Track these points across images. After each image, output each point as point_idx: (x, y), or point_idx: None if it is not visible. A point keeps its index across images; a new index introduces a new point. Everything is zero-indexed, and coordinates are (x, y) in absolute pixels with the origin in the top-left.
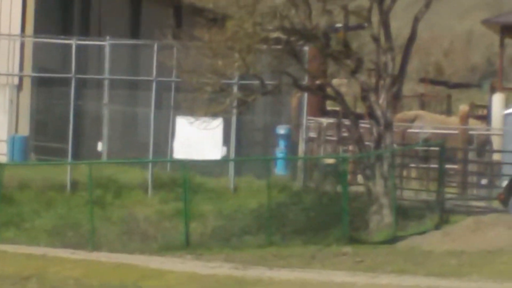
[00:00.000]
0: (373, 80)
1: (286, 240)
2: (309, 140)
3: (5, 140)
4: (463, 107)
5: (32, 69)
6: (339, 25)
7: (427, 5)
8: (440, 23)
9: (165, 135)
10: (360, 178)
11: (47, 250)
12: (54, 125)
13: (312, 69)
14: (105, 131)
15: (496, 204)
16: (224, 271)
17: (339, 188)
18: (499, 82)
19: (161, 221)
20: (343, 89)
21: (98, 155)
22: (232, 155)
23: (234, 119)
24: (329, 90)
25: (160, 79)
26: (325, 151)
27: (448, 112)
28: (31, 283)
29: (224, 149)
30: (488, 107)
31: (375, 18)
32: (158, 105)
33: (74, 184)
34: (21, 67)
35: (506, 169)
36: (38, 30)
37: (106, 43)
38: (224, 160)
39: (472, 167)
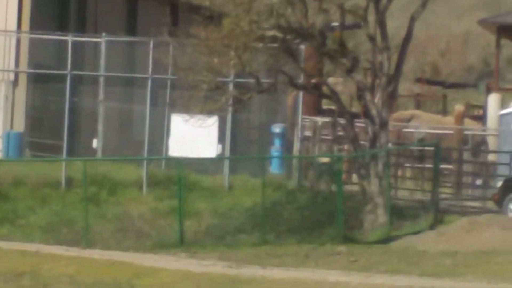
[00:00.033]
0: (369, 79)
1: (281, 239)
2: (304, 139)
3: (0, 136)
4: (459, 107)
5: (28, 65)
6: (335, 24)
7: (424, 5)
8: (437, 23)
9: (161, 133)
10: (355, 177)
11: (41, 247)
12: (50, 122)
13: (308, 68)
14: (100, 128)
15: (490, 204)
16: (218, 270)
17: (334, 187)
18: (495, 83)
19: (155, 219)
20: (339, 88)
21: (93, 152)
22: (227, 153)
23: (229, 117)
24: (324, 89)
25: (155, 76)
26: (320, 150)
27: (444, 112)
28: (24, 280)
29: (220, 147)
30: (484, 107)
31: (372, 17)
32: (153, 102)
33: (69, 181)
34: (17, 63)
35: (501, 170)
36: (34, 26)
37: (102, 40)
38: (219, 158)
39: (467, 167)
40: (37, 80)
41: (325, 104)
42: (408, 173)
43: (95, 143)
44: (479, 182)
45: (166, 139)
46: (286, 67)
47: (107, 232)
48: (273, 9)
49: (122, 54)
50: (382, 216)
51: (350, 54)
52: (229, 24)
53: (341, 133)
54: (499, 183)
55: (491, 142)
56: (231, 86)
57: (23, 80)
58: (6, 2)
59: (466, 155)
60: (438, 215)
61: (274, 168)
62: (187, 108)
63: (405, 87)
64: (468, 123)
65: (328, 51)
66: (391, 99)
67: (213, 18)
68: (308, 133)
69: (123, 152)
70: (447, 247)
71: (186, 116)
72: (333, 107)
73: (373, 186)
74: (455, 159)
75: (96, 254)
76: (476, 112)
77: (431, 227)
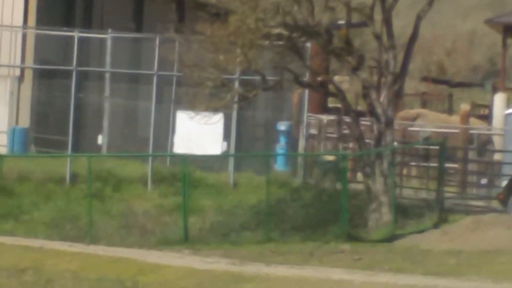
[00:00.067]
0: (375, 77)
1: (285, 237)
2: (309, 136)
3: (6, 132)
4: (464, 107)
5: (34, 61)
6: (341, 22)
7: (430, 4)
8: (443, 22)
9: (166, 129)
10: (360, 176)
11: (44, 243)
12: (55, 118)
13: (314, 66)
14: (105, 124)
15: (495, 204)
16: (222, 267)
17: (338, 185)
18: (501, 82)
19: (160, 216)
20: (344, 86)
21: (99, 148)
22: (233, 150)
23: (234, 114)
24: (330, 87)
25: (161, 73)
26: (325, 148)
27: (450, 111)
28: (27, 275)
29: (225, 144)
30: (489, 106)
31: (378, 15)
32: (159, 99)
33: (74, 177)
34: (23, 59)
35: (506, 169)
36: (41, 22)
37: (108, 36)
38: (224, 156)
39: (472, 167)
40: (42, 76)
41: (331, 102)
42: (414, 172)
43: (100, 139)
44: (484, 181)
45: (171, 136)
46: (291, 65)
47: (111, 229)
48: (279, 6)
49: (128, 50)
50: (386, 215)
51: (356, 53)
52: (235, 21)
53: (346, 131)
54: (504, 183)
55: (497, 142)
56: (236, 84)
57: (28, 75)
58: None
59: (471, 154)
60: (443, 214)
61: (279, 166)
62: (192, 105)
63: (411, 86)
64: (474, 122)
65: (334, 49)
66: (397, 98)
67: (219, 15)
68: (313, 131)
69: (128, 149)
70: (451, 246)
71: (191, 113)
72: (338, 105)
73: (378, 184)
74: (460, 158)
75: (100, 250)
76: (482, 111)
77: (436, 226)
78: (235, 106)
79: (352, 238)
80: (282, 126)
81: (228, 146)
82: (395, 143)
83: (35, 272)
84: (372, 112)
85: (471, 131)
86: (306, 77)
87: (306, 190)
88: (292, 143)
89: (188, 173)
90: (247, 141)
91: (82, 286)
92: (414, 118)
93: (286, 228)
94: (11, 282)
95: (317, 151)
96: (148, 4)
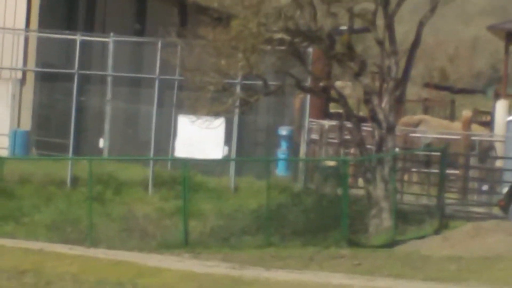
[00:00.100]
0: (377, 83)
1: (285, 241)
2: (311, 142)
3: (7, 134)
4: (466, 113)
5: (36, 64)
6: (343, 27)
7: (433, 10)
8: (446, 28)
9: (167, 133)
10: (361, 181)
11: (45, 245)
12: (56, 120)
13: (316, 71)
14: (107, 127)
15: (496, 210)
16: (221, 271)
17: (339, 191)
18: (503, 89)
19: (160, 219)
20: (347, 92)
21: (100, 151)
22: (234, 155)
23: (236, 119)
24: (332, 93)
25: (163, 77)
26: (326, 154)
27: (452, 117)
28: (27, 278)
29: (226, 148)
30: (491, 113)
31: (380, 21)
32: (160, 103)
33: (75, 180)
34: (25, 62)
35: (508, 176)
36: (43, 25)
37: (110, 39)
38: (225, 160)
39: (473, 173)
40: (44, 79)
41: (333, 108)
42: (415, 178)
43: (101, 142)
44: (485, 187)
45: (172, 139)
46: (293, 70)
47: (112, 232)
48: (281, 11)
49: (130, 54)
50: (387, 220)
51: (358, 58)
52: (237, 26)
53: (348, 136)
54: (505, 189)
55: (499, 148)
56: (238, 88)
57: (30, 78)
58: (15, 0)
59: (473, 161)
60: (444, 220)
61: (280, 171)
62: (194, 109)
63: (413, 92)
64: (476, 129)
65: (336, 55)
66: (399, 104)
67: (222, 19)
68: (315, 136)
69: (130, 152)
70: (451, 252)
71: (193, 117)
72: (340, 111)
73: (379, 190)
74: (461, 165)
75: (100, 253)
76: (484, 118)
77: (436, 232)
78: (237, 110)
79: (352, 243)
80: (283, 131)
81: (229, 150)
82: (397, 149)
83: (35, 274)
84: (373, 118)
85: (473, 138)
86: (308, 82)
87: (306, 195)
88: (294, 148)
89: (189, 177)
90: (248, 146)
91: None
92: (417, 124)
93: (286, 233)
94: (11, 284)
95: (318, 156)
96: (151, 8)
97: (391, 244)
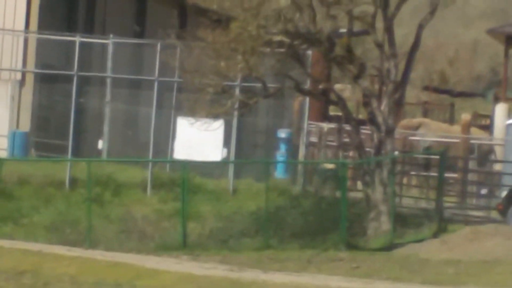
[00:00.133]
0: (376, 86)
1: (284, 244)
2: (310, 144)
3: (6, 136)
4: (465, 116)
5: (35, 65)
6: (343, 30)
7: (432, 13)
8: (445, 31)
9: (166, 135)
10: (360, 184)
11: (43, 247)
12: (56, 122)
13: (315, 74)
14: (106, 129)
15: (495, 214)
16: (219, 273)
17: (338, 194)
18: (503, 92)
19: (159, 221)
20: (346, 94)
21: (99, 153)
22: (233, 157)
23: (235, 121)
24: (331, 95)
25: (162, 79)
26: (325, 156)
27: (451, 120)
28: (25, 279)
29: (225, 150)
30: (491, 116)
31: (380, 24)
32: (159, 104)
33: (74, 181)
34: (24, 63)
35: (506, 180)
36: (42, 26)
37: (110, 41)
38: (224, 162)
39: (472, 177)
40: (44, 80)
41: (332, 110)
42: (414, 181)
43: (100, 144)
44: (484, 191)
45: (171, 141)
46: (293, 72)
47: (110, 233)
48: (281, 14)
49: (129, 56)
50: (385, 224)
51: (357, 61)
52: (236, 28)
53: (347, 139)
54: (504, 193)
55: (498, 152)
56: (237, 90)
57: (30, 80)
58: (14, 1)
59: (472, 164)
60: (442, 224)
61: (279, 173)
62: (193, 111)
63: (413, 95)
64: (475, 132)
65: (335, 57)
66: (398, 107)
67: (221, 21)
68: (314, 139)
69: (129, 154)
70: (450, 255)
71: (192, 119)
72: (340, 113)
73: (378, 193)
74: (460, 168)
75: (98, 254)
76: (484, 121)
77: (435, 235)
78: (236, 112)
79: (350, 246)
80: (282, 133)
81: (228, 152)
82: (396, 152)
83: (34, 275)
84: (372, 121)
85: (472, 141)
86: (307, 85)
87: (305, 197)
88: (293, 151)
89: (187, 179)
90: (247, 148)
91: None
92: (417, 127)
93: (285, 235)
94: (10, 285)
95: (317, 159)
96: (150, 10)
97: (389, 247)
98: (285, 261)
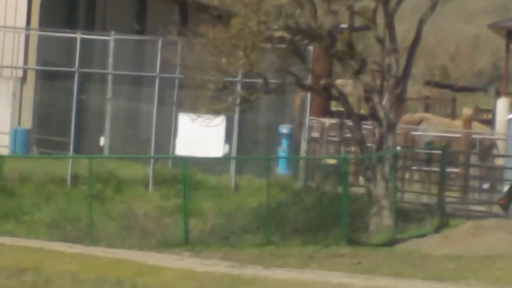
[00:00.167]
0: (377, 81)
1: (285, 240)
2: (311, 140)
3: (8, 133)
4: (467, 111)
5: (36, 62)
6: (344, 25)
7: (433, 8)
8: (447, 26)
9: (167, 132)
10: (361, 180)
11: (44, 244)
12: (57, 119)
13: (316, 69)
14: (107, 126)
15: (496, 209)
16: (221, 269)
17: (340, 189)
18: (504, 87)
19: (161, 217)
20: (347, 90)
21: (100, 149)
22: (234, 153)
23: (236, 117)
24: (333, 90)
25: (163, 75)
26: (327, 152)
27: (453, 115)
28: (27, 276)
29: (226, 147)
30: (493, 111)
31: (381, 19)
32: (161, 101)
33: (75, 178)
34: (26, 60)
35: (508, 174)
36: (43, 23)
37: (111, 38)
38: (225, 158)
39: (474, 171)
40: (45, 77)
41: (334, 106)
42: (416, 176)
43: (102, 141)
44: (486, 186)
45: (173, 138)
46: (294, 68)
47: (112, 230)
48: (281, 9)
49: (130, 52)
50: (387, 219)
51: (358, 56)
52: (237, 24)
53: (348, 134)
54: (506, 188)
55: (500, 146)
56: (238, 86)
57: (31, 77)
58: None
59: (474, 159)
60: (444, 219)
61: (281, 169)
62: (194, 108)
63: (414, 90)
64: (477, 126)
65: (336, 53)
66: (399, 102)
67: (222, 17)
68: (315, 134)
69: (130, 150)
70: (451, 251)
71: (193, 116)
72: (342, 109)
73: (379, 188)
74: (462, 163)
75: (99, 251)
76: (485, 116)
77: (437, 230)
78: (237, 108)
79: (352, 241)
80: (284, 129)
81: (230, 148)
82: (398, 147)
83: (35, 272)
84: (374, 116)
85: (474, 136)
86: (308, 80)
87: (307, 193)
88: (294, 146)
89: (189, 175)
90: (248, 144)
91: (81, 287)
92: (418, 122)
93: (286, 231)
94: (11, 282)
95: (319, 154)
96: (151, 6)
97: (391, 242)
98: (287, 257)
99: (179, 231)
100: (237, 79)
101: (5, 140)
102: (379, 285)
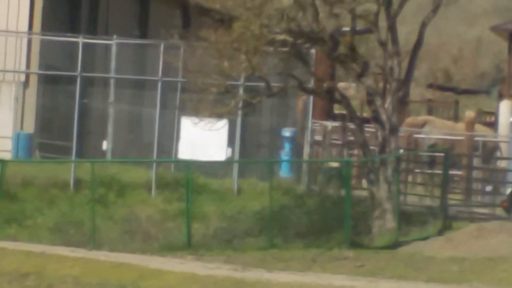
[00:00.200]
0: (380, 84)
1: (288, 243)
2: (314, 143)
3: (10, 137)
4: (469, 114)
5: (39, 66)
6: (346, 28)
7: (435, 11)
8: (449, 29)
9: (170, 135)
10: (364, 183)
11: (47, 248)
12: (59, 123)
13: (319, 72)
14: (110, 130)
15: (499, 211)
16: (223, 273)
17: (342, 192)
18: (507, 89)
19: (163, 221)
20: (350, 93)
21: (103, 153)
22: (237, 156)
23: (239, 120)
24: (335, 94)
25: (166, 79)
26: (330, 155)
27: (456, 118)
28: (29, 280)
29: (229, 150)
30: (495, 114)
31: (383, 22)
32: (163, 105)
33: (78, 182)
34: (28, 65)
35: (511, 177)
36: (46, 27)
37: (113, 42)
38: (228, 162)
39: (477, 174)
40: (47, 82)
41: (337, 109)
42: (419, 179)
43: (105, 145)
44: (489, 188)
45: (175, 141)
46: (296, 71)
47: (115, 234)
48: (283, 13)
49: (132, 56)
50: (390, 222)
51: (360, 59)
52: (239, 27)
53: (351, 138)
54: (509, 190)
55: (503, 149)
56: (241, 90)
57: (33, 81)
58: (18, 3)
59: (476, 162)
60: (447, 221)
61: (284, 172)
62: (196, 111)
63: (417, 92)
64: (480, 129)
65: (338, 56)
66: (402, 105)
67: (224, 21)
68: (318, 138)
69: (133, 154)
70: (454, 253)
71: (195, 119)
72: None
73: (382, 191)
74: (465, 166)
75: (102, 255)
76: (488, 118)
77: (439, 233)
78: (240, 112)
79: (355, 244)
80: (286, 132)
81: (233, 152)
82: (401, 150)
83: (37, 277)
84: (376, 119)
85: (476, 138)
86: (311, 84)
87: (310, 196)
88: (297, 150)
89: (192, 179)
90: (251, 147)
91: None
92: (422, 125)
93: (289, 235)
94: (13, 286)
95: (322, 157)
96: (153, 10)
97: (394, 245)
98: (290, 260)
99: (182, 235)
100: (239, 83)
101: (8, 144)
102: (382, 287)
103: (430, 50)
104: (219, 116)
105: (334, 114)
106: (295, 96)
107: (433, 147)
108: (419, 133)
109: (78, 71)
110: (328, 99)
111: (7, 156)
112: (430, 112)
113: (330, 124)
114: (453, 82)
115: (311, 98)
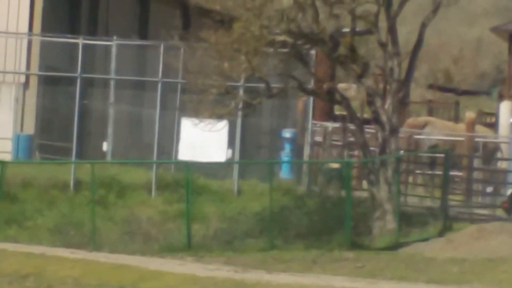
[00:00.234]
0: (380, 85)
1: (288, 244)
2: (314, 144)
3: (10, 138)
4: (470, 115)
5: (39, 67)
6: (346, 29)
7: (435, 11)
8: (449, 29)
9: (170, 136)
10: (365, 184)
11: (46, 249)
12: (59, 124)
13: (319, 73)
14: (110, 131)
15: (500, 212)
16: (223, 274)
17: (343, 193)
18: (507, 90)
19: (163, 222)
20: (350, 94)
21: (103, 154)
22: (237, 157)
23: (239, 121)
24: (336, 95)
25: (166, 80)
26: (330, 156)
27: (456, 119)
28: (29, 282)
29: (229, 151)
30: (496, 114)
31: (383, 23)
32: (163, 106)
33: (78, 184)
34: (28, 66)
35: (511, 178)
36: (46, 28)
37: (113, 43)
38: (228, 163)
39: (477, 175)
40: (47, 83)
41: (338, 110)
42: (419, 180)
43: (105, 146)
44: (489, 189)
45: (175, 142)
46: (296, 72)
47: (115, 235)
48: (283, 14)
49: (132, 57)
50: (390, 223)
51: (360, 60)
52: (239, 28)
53: (351, 139)
54: (509, 191)
55: (504, 150)
56: (241, 91)
57: (33, 82)
58: (18, 4)
59: (477, 163)
60: (447, 222)
61: (284, 173)
62: (197, 112)
63: (417, 93)
64: (480, 130)
65: (338, 57)
66: (402, 105)
67: (224, 22)
68: (318, 139)
69: (133, 155)
70: (455, 254)
71: (196, 120)
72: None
73: (383, 192)
74: (465, 166)
75: (102, 257)
76: (489, 119)
77: (440, 234)
78: (240, 113)
79: (356, 245)
80: (287, 133)
81: (233, 153)
82: (401, 151)
83: (37, 278)
84: (376, 120)
85: (477, 139)
86: (311, 85)
87: (310, 197)
88: (297, 151)
89: (192, 180)
90: (251, 148)
91: None
92: (423, 126)
93: (289, 236)
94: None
95: (322, 158)
96: (153, 11)
97: (394, 246)
98: (290, 261)
99: (182, 236)
100: (239, 84)
101: (8, 145)
102: None
103: (430, 50)
104: (219, 117)
105: (334, 115)
106: (295, 97)
107: (433, 148)
108: (419, 134)
109: (78, 72)
110: (328, 100)
111: (7, 157)
112: (430, 113)
113: (330, 125)
114: (454, 83)
115: (311, 99)
